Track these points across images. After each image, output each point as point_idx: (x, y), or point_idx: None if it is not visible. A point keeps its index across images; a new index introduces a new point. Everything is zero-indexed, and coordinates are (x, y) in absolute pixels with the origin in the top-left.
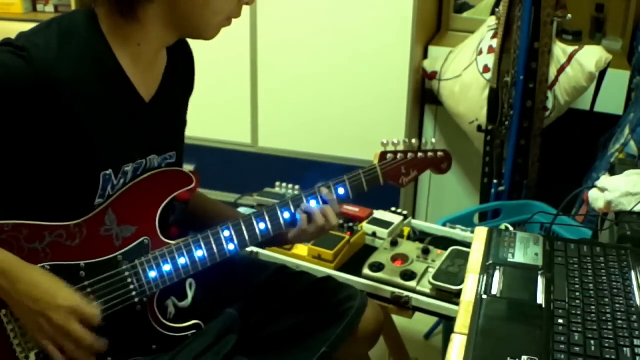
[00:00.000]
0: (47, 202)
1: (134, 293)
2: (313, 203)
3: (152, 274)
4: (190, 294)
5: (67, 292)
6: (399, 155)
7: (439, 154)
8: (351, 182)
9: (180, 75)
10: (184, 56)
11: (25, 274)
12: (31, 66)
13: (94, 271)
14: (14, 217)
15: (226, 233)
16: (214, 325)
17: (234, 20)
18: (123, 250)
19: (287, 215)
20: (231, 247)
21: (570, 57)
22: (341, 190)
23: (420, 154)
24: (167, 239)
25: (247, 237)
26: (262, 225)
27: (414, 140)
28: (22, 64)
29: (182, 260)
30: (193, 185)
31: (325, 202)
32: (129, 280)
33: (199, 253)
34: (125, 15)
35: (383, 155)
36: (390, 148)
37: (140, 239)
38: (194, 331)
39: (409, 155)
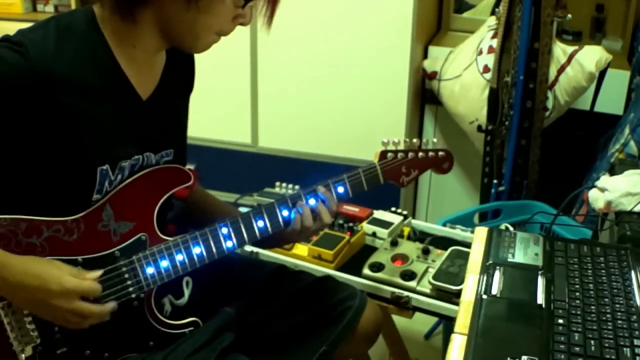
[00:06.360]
0: (45, 197)
1: (131, 289)
2: (312, 201)
3: (150, 269)
4: (186, 292)
5: (58, 275)
6: (399, 155)
7: (440, 153)
8: (350, 180)
9: (179, 74)
10: (183, 55)
11: (11, 263)
12: (28, 61)
13: (91, 266)
14: (12, 212)
15: (224, 230)
16: (211, 324)
17: None
18: (120, 246)
19: (285, 213)
20: (229, 244)
21: (570, 57)
22: (340, 189)
23: (420, 154)
24: (165, 236)
25: (245, 234)
26: (260, 223)
27: (414, 140)
28: (19, 59)
29: (179, 257)
30: (191, 182)
31: (322, 200)
32: (126, 275)
33: (197, 250)
34: (123, 16)
35: (383, 154)
36: (391, 147)
37: (138, 235)
38: (191, 328)
39: (410, 154)
